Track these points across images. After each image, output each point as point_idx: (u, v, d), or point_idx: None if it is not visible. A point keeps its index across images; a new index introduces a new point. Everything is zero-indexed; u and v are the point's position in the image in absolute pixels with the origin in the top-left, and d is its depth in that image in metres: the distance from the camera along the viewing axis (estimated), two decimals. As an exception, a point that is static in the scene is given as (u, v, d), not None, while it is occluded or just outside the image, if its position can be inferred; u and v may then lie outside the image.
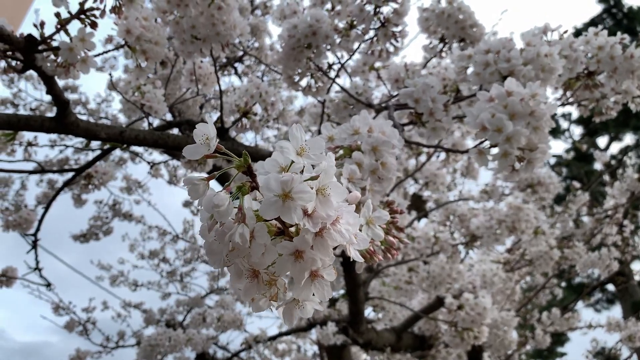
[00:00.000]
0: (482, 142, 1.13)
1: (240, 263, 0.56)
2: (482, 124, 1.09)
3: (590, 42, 1.57)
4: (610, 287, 10.27)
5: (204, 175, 0.58)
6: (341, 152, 1.04)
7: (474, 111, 1.11)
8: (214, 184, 0.62)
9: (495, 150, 1.10)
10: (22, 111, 4.76)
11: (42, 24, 1.31)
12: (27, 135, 2.65)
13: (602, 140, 12.41)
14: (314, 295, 0.58)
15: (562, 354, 10.39)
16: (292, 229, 0.57)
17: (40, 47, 1.30)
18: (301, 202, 0.52)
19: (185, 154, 0.58)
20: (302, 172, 0.59)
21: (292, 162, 0.58)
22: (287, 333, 3.87)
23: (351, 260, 0.58)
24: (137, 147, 4.01)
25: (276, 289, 0.58)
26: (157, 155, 4.75)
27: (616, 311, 11.19)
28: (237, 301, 4.40)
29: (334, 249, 0.68)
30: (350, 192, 0.81)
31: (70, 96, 4.82)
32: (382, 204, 0.95)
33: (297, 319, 0.61)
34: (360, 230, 0.69)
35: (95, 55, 1.42)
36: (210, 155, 0.59)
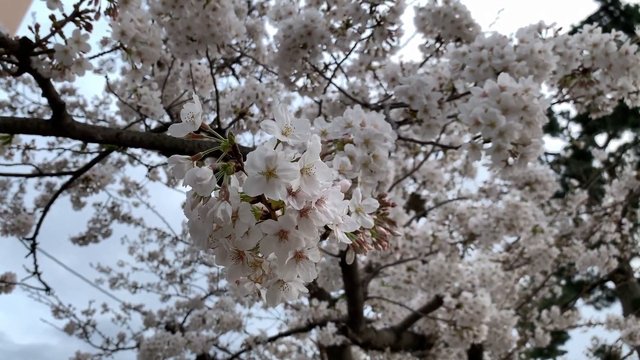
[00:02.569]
0: (475, 137, 1.14)
1: (225, 244, 0.56)
2: (475, 119, 1.09)
3: (585, 39, 1.57)
4: (611, 284, 10.28)
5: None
6: (335, 146, 1.04)
7: (467, 106, 1.11)
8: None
9: (488, 145, 1.10)
10: (19, 114, 4.77)
11: (37, 27, 1.32)
12: (25, 139, 2.65)
13: (600, 138, 12.43)
14: (298, 277, 0.58)
15: (563, 352, 10.39)
16: (278, 212, 0.57)
17: (35, 50, 1.30)
18: (285, 180, 0.52)
19: (171, 132, 0.58)
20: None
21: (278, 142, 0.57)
22: (286, 334, 3.86)
23: (338, 242, 0.58)
24: (134, 149, 4.02)
25: (261, 271, 0.58)
26: (155, 157, 4.76)
27: (616, 309, 11.21)
28: (236, 302, 4.40)
29: (324, 236, 0.68)
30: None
31: (68, 99, 4.83)
32: (373, 197, 0.96)
33: (281, 301, 0.60)
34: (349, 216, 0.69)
35: (91, 57, 1.42)
36: (195, 134, 0.59)
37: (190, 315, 4.80)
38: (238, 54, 3.97)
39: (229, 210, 0.53)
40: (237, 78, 4.55)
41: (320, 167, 0.56)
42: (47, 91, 1.37)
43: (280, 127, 0.57)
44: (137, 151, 4.41)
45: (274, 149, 0.57)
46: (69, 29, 1.31)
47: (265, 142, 0.60)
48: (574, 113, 12.27)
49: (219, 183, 0.57)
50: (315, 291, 3.69)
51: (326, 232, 0.66)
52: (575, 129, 12.76)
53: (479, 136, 1.14)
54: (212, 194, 0.56)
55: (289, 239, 0.54)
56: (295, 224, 0.54)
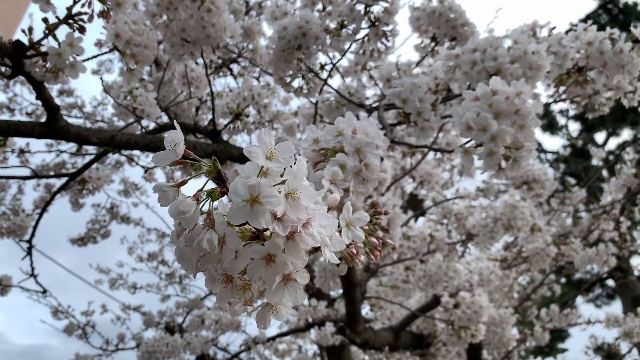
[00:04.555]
0: (468, 142, 1.14)
1: (213, 268, 0.57)
2: (467, 124, 1.09)
3: (579, 37, 1.57)
4: (610, 282, 10.28)
5: (172, 183, 0.58)
6: (327, 154, 1.04)
7: (459, 110, 1.11)
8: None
9: (480, 150, 1.10)
10: (17, 115, 4.76)
11: (30, 30, 1.32)
12: (20, 142, 2.66)
13: (599, 136, 12.43)
14: (287, 299, 0.58)
15: (563, 350, 10.39)
16: (267, 233, 0.57)
17: (28, 53, 1.30)
18: (269, 207, 0.52)
19: (155, 161, 0.58)
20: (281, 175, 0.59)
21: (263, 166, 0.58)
22: (285, 334, 3.87)
23: (327, 262, 0.59)
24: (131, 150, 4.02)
25: (250, 293, 0.59)
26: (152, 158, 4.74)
27: (616, 307, 11.20)
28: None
29: (314, 250, 0.69)
30: (331, 193, 0.81)
31: (66, 100, 4.82)
32: (366, 205, 0.96)
33: (271, 323, 0.61)
34: (340, 231, 0.69)
35: (87, 59, 1.42)
36: (178, 161, 0.59)
37: (190, 315, 4.80)
38: (235, 55, 3.98)
39: (214, 239, 0.53)
40: (235, 78, 4.55)
41: (306, 190, 0.56)
42: (41, 94, 1.37)
43: (264, 151, 0.57)
44: (135, 152, 4.41)
45: (258, 174, 0.57)
46: (63, 31, 1.31)
47: (246, 148, 0.60)
48: (573, 111, 12.27)
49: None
50: (314, 291, 3.69)
51: (317, 247, 0.67)
52: (575, 127, 12.77)
53: (471, 140, 1.14)
54: (199, 220, 0.56)
55: (276, 263, 0.55)
56: (282, 248, 0.54)
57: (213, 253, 0.54)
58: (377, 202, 0.95)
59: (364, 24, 1.76)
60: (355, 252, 0.78)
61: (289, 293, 0.57)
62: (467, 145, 1.15)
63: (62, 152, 3.31)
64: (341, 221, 0.70)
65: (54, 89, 4.75)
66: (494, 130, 1.07)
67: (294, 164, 0.58)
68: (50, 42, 1.31)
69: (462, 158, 1.14)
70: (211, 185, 0.59)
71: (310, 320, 3.48)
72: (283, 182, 0.56)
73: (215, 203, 0.58)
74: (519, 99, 1.10)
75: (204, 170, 0.58)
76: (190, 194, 0.57)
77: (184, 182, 0.60)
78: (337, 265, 0.76)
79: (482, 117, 1.09)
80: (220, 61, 4.41)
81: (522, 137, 1.13)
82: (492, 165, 1.13)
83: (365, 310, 3.72)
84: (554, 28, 1.57)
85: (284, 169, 0.59)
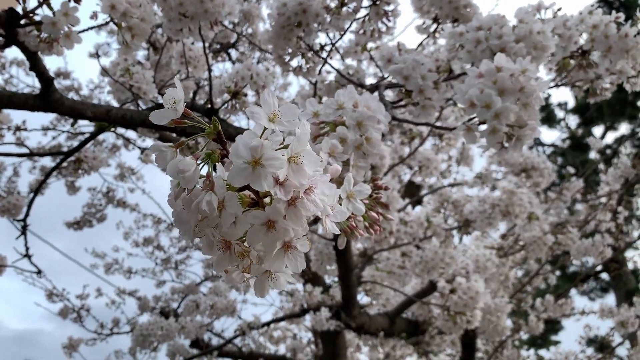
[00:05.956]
0: (471, 119, 1.11)
1: (211, 234, 0.54)
2: (470, 100, 1.07)
3: (584, 20, 1.55)
4: (605, 276, 10.33)
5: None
6: (327, 128, 1.02)
7: (462, 87, 1.09)
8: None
9: (483, 127, 1.08)
10: (13, 97, 4.71)
11: (25, -2, 1.29)
12: (16, 119, 2.62)
13: (597, 130, 12.42)
14: (286, 267, 0.56)
15: (557, 342, 10.46)
16: (266, 200, 0.55)
17: (22, 22, 1.27)
18: (272, 170, 0.51)
19: (153, 119, 0.56)
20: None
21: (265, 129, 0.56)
22: (281, 319, 3.86)
23: (327, 231, 0.57)
24: (130, 133, 3.98)
25: (249, 260, 0.57)
26: (150, 142, 4.72)
27: (610, 299, 11.27)
28: (231, 289, 4.39)
29: (314, 222, 0.67)
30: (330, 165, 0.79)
31: (63, 82, 4.78)
32: (367, 179, 0.94)
33: (268, 291, 0.59)
34: (340, 203, 0.67)
35: (82, 31, 1.39)
36: (178, 120, 0.57)
37: (185, 300, 4.80)
38: (234, 39, 3.94)
39: (214, 201, 0.51)
40: (234, 63, 4.52)
41: (309, 155, 0.54)
42: (35, 65, 1.35)
43: (267, 113, 0.55)
44: (132, 135, 4.38)
45: (261, 136, 0.55)
46: (58, 0, 1.28)
47: (248, 108, 0.58)
48: (571, 104, 12.26)
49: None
50: (310, 277, 3.69)
51: (317, 218, 0.65)
52: (573, 120, 12.76)
53: (474, 118, 1.12)
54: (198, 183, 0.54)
55: (276, 229, 0.53)
56: (283, 213, 0.53)
57: (212, 216, 0.52)
58: (377, 177, 0.93)
59: (365, 3, 1.73)
60: (355, 225, 0.76)
61: (288, 260, 0.56)
62: (470, 122, 1.13)
63: (62, 131, 3.26)
64: (342, 193, 0.68)
65: (50, 71, 4.71)
66: (498, 107, 1.05)
67: (298, 127, 0.55)
68: (44, 11, 1.28)
69: (465, 135, 1.12)
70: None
71: (305, 305, 3.47)
72: (286, 147, 0.54)
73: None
74: (524, 77, 1.08)
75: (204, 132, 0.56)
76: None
77: (182, 143, 0.58)
78: (335, 239, 0.75)
79: (485, 93, 1.07)
80: (218, 45, 4.37)
81: (526, 115, 1.11)
82: (495, 143, 1.11)
83: (361, 295, 3.72)
84: (559, 9, 1.54)
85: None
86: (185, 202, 0.54)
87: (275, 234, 0.53)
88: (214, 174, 0.54)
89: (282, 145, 0.54)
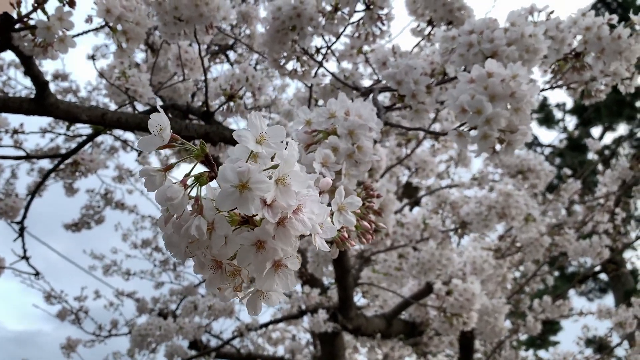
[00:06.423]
0: (462, 125, 1.12)
1: (202, 254, 0.55)
2: (461, 106, 1.08)
3: (577, 22, 1.55)
4: (603, 276, 10.34)
5: (159, 166, 0.57)
6: (320, 136, 1.02)
7: (454, 93, 1.09)
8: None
9: (475, 133, 1.09)
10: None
11: (19, 3, 1.29)
12: (14, 123, 2.63)
13: (595, 131, 12.42)
14: (278, 285, 0.57)
15: (555, 343, 10.46)
16: (257, 217, 0.56)
17: (17, 26, 1.28)
18: (259, 193, 0.51)
19: (139, 146, 0.56)
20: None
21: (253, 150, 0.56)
22: (278, 321, 3.87)
23: (317, 249, 0.58)
24: (128, 135, 3.99)
25: (240, 279, 0.57)
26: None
27: (609, 300, 11.27)
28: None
29: (301, 237, 0.68)
30: (324, 177, 0.80)
31: (61, 84, 4.79)
32: (359, 188, 0.94)
33: (261, 309, 0.60)
34: (332, 216, 0.68)
35: (76, 35, 1.39)
36: (165, 145, 0.57)
37: (183, 302, 4.80)
38: (232, 41, 3.95)
39: (203, 226, 0.52)
40: (232, 65, 4.52)
41: (296, 176, 0.54)
42: (30, 69, 1.35)
43: (255, 135, 0.56)
44: (131, 137, 4.39)
45: (247, 159, 0.55)
46: (52, 5, 1.29)
47: (235, 132, 0.59)
48: (570, 105, 12.27)
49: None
50: (308, 278, 3.69)
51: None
52: (572, 121, 12.76)
53: (466, 123, 1.13)
54: (187, 206, 0.55)
55: (266, 249, 0.54)
56: (272, 234, 0.53)
57: (202, 240, 0.53)
58: (369, 184, 0.94)
59: (359, 7, 1.74)
60: (346, 235, 0.77)
61: (279, 279, 0.56)
62: (462, 128, 1.13)
63: (58, 133, 3.27)
64: (333, 206, 0.69)
65: (48, 74, 4.72)
66: (489, 113, 1.06)
67: (285, 148, 0.56)
68: (39, 15, 1.28)
69: (456, 141, 1.13)
70: (200, 169, 0.58)
71: (303, 307, 3.48)
72: (274, 167, 0.55)
73: (204, 188, 0.56)
74: (514, 82, 1.08)
75: (192, 154, 0.56)
76: (179, 177, 0.56)
77: (171, 166, 0.59)
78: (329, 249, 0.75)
79: (476, 99, 1.07)
80: (216, 47, 4.38)
81: (517, 120, 1.11)
82: (486, 148, 1.12)
83: (358, 297, 3.73)
84: (552, 12, 1.55)
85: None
86: (175, 226, 0.55)
87: (265, 254, 0.54)
88: (203, 196, 0.55)
89: (269, 166, 0.55)
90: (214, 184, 0.56)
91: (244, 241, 0.53)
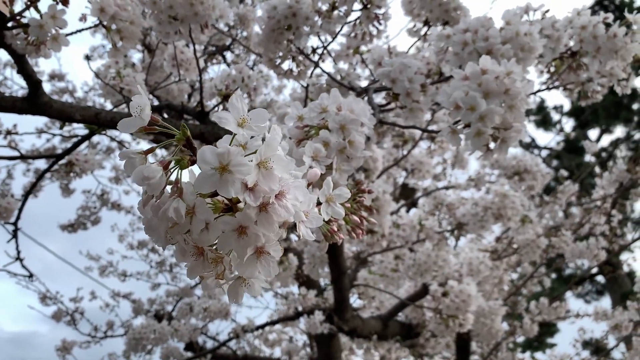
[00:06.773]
0: (456, 122, 1.11)
1: (182, 240, 0.54)
2: (455, 103, 1.07)
3: (573, 21, 1.55)
4: (600, 278, 10.34)
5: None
6: (312, 131, 1.02)
7: (447, 90, 1.09)
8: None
9: (468, 130, 1.08)
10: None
11: (12, 0, 1.28)
12: (6, 123, 2.62)
13: (593, 133, 12.44)
14: (260, 272, 0.56)
15: (552, 345, 10.46)
16: (240, 205, 0.55)
17: (9, 24, 1.27)
18: (239, 176, 0.50)
19: (120, 127, 0.56)
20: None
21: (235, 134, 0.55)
22: (275, 322, 3.86)
23: (300, 237, 0.57)
24: (124, 135, 3.98)
25: (222, 266, 0.56)
26: (144, 144, 4.71)
27: (606, 302, 11.27)
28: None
29: (294, 227, 0.67)
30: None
31: (57, 84, 4.77)
32: (350, 183, 0.94)
33: (243, 297, 0.59)
34: (319, 207, 0.67)
35: (70, 33, 1.39)
36: (146, 127, 0.56)
37: (179, 303, 4.79)
38: (229, 41, 3.94)
39: (182, 208, 0.51)
40: (229, 66, 4.51)
41: (279, 160, 0.53)
42: (23, 68, 1.34)
43: (236, 118, 0.55)
44: (127, 138, 4.37)
45: (231, 142, 0.54)
46: (45, 3, 1.28)
47: (216, 114, 0.58)
48: (567, 107, 12.29)
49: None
50: (304, 279, 3.68)
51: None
52: (569, 123, 12.78)
53: (459, 120, 1.12)
54: (168, 189, 0.54)
55: (248, 235, 0.52)
56: (254, 219, 0.52)
57: (180, 222, 0.52)
58: (361, 180, 0.93)
59: (355, 6, 1.73)
60: (336, 229, 0.76)
61: (261, 266, 0.55)
62: (455, 125, 1.13)
63: (53, 134, 3.26)
64: (321, 197, 0.68)
65: (45, 74, 4.71)
66: (483, 109, 1.05)
67: (268, 132, 0.55)
68: (32, 13, 1.28)
69: (449, 138, 1.12)
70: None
71: (299, 308, 3.47)
72: (256, 151, 0.53)
73: (185, 174, 0.55)
74: (508, 79, 1.08)
75: (174, 138, 0.55)
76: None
77: (151, 150, 0.58)
78: (318, 241, 0.74)
79: (470, 96, 1.07)
80: (214, 48, 4.37)
81: (511, 117, 1.11)
82: (480, 145, 1.11)
83: (354, 298, 3.72)
84: (547, 11, 1.55)
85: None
86: (153, 209, 0.54)
87: (246, 240, 0.53)
88: (185, 180, 0.54)
89: (252, 151, 0.54)
90: (196, 169, 0.55)
91: (226, 226, 0.52)
